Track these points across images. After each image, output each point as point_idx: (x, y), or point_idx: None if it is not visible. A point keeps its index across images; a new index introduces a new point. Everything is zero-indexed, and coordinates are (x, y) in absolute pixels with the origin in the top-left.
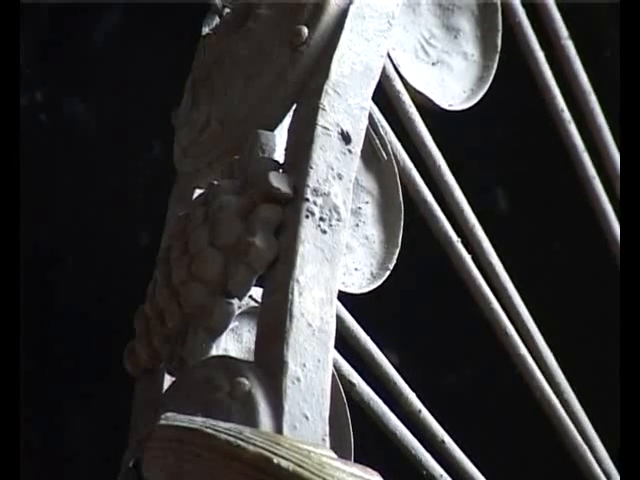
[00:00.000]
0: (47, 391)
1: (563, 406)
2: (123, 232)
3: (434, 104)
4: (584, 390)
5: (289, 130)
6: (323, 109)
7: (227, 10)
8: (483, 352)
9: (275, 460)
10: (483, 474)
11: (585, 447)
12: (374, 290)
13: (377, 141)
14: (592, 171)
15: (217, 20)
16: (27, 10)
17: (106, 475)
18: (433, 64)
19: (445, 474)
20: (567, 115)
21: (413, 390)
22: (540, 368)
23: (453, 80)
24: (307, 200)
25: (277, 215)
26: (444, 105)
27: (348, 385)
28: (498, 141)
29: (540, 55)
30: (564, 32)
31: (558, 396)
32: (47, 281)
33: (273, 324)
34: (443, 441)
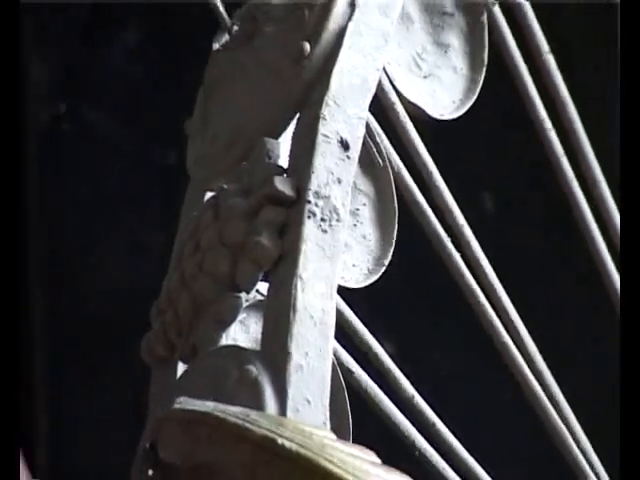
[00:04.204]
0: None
1: (543, 389)
2: (140, 230)
3: (426, 114)
4: (562, 375)
5: (292, 138)
6: (324, 119)
7: (235, 27)
8: (469, 341)
9: (280, 441)
10: (471, 454)
11: (565, 430)
12: (370, 285)
13: (373, 148)
14: (570, 174)
15: (226, 37)
16: (52, 27)
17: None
18: (425, 77)
19: (436, 454)
20: (548, 123)
21: (407, 377)
22: (521, 353)
23: (443, 92)
24: (309, 202)
25: (281, 216)
26: (435, 115)
27: (347, 372)
28: (485, 149)
29: (523, 68)
30: (545, 47)
31: (538, 379)
32: (73, 273)
33: (278, 316)
34: (434, 424)
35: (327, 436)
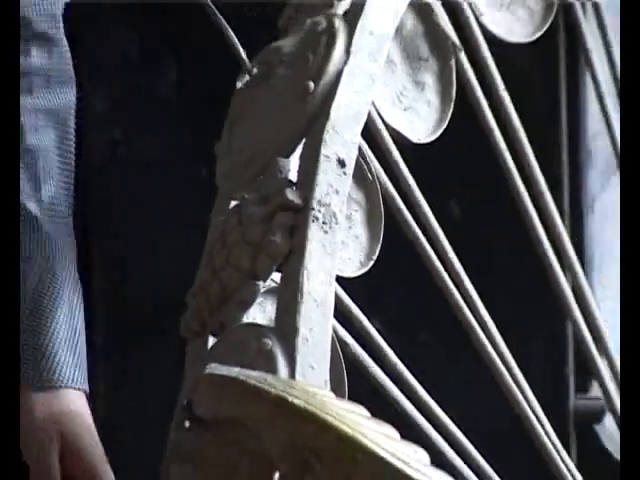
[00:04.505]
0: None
1: (501, 360)
2: (177, 232)
3: (406, 139)
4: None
5: (300, 158)
6: (325, 143)
7: (254, 70)
8: (439, 318)
9: (290, 399)
10: (444, 411)
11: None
12: (362, 275)
13: (365, 166)
14: (522, 187)
15: (247, 77)
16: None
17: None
18: (405, 109)
19: (414, 410)
20: (503, 145)
21: (391, 347)
22: (481, 328)
23: (420, 121)
24: (313, 209)
25: (291, 220)
26: (414, 139)
27: (343, 344)
28: (453, 166)
29: (484, 103)
30: (501, 85)
31: (496, 351)
32: (127, 273)
33: (288, 300)
34: (411, 385)
35: (327, 395)
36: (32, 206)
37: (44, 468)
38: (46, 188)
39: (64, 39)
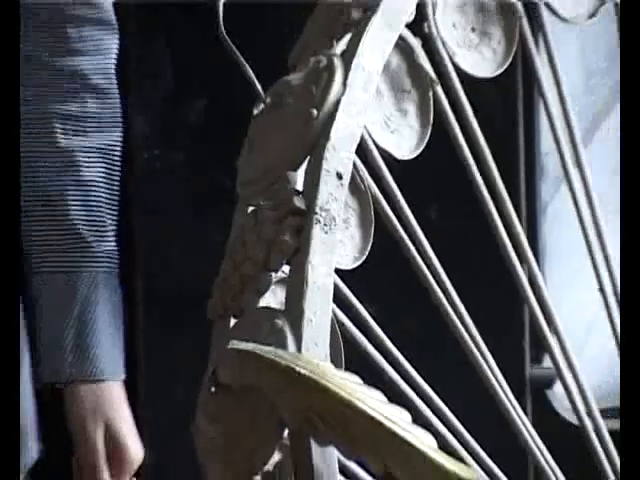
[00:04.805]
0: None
1: (470, 337)
2: (207, 232)
3: (393, 156)
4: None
5: (305, 171)
6: (326, 159)
7: (268, 99)
8: (420, 304)
9: (297, 369)
10: (425, 380)
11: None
12: (356, 268)
13: (358, 178)
14: (487, 195)
15: (262, 105)
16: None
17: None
18: (392, 132)
19: (399, 378)
20: (471, 161)
21: (380, 327)
22: (454, 310)
23: (404, 142)
24: (316, 214)
25: (298, 222)
26: (399, 156)
27: (340, 325)
28: (431, 178)
29: (456, 126)
30: (470, 112)
31: (466, 329)
32: (164, 269)
33: (296, 288)
34: (397, 357)
35: (328, 366)
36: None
37: (93, 452)
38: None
39: (115, 89)
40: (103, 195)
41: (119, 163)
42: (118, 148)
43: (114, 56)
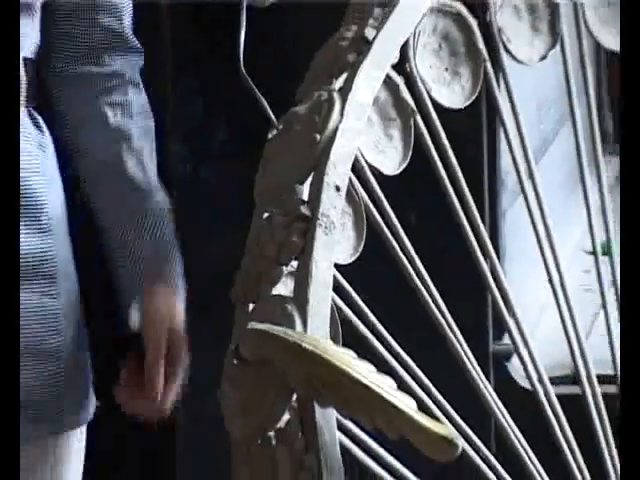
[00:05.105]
0: None
1: (444, 319)
2: (227, 236)
3: (381, 172)
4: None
5: (310, 184)
6: (327, 174)
7: (280, 126)
8: (405, 294)
9: (303, 345)
10: (408, 354)
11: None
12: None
13: (353, 190)
14: (457, 204)
15: (274, 131)
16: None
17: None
18: (380, 153)
19: (387, 353)
20: (444, 175)
21: (370, 310)
22: (430, 297)
23: (390, 161)
24: (319, 219)
25: (304, 226)
26: (386, 172)
27: (338, 309)
28: (412, 189)
29: (432, 148)
30: (444, 136)
31: (440, 313)
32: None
33: (302, 279)
34: (383, 334)
35: (328, 342)
36: (143, 182)
37: (158, 343)
38: (152, 170)
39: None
40: (150, 161)
41: (154, 141)
42: (153, 129)
43: (141, 64)
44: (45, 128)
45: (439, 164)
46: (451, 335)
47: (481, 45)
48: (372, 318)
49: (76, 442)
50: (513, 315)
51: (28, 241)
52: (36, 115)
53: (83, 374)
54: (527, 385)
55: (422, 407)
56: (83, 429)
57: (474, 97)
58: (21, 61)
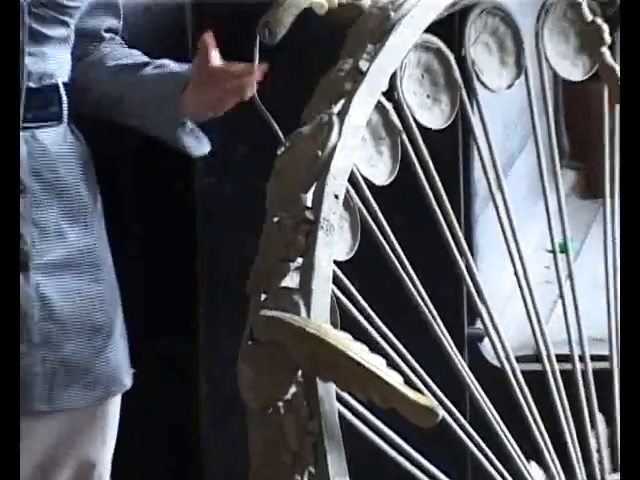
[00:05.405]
0: None
1: (426, 307)
2: (244, 240)
3: (373, 183)
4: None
5: (313, 193)
6: (327, 184)
7: (287, 143)
8: (392, 285)
9: (307, 329)
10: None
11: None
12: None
13: (349, 199)
14: (437, 209)
15: (282, 147)
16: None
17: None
18: (372, 166)
19: (377, 334)
20: (426, 185)
21: (364, 299)
22: (415, 289)
23: (382, 174)
24: (320, 222)
25: (308, 229)
26: (377, 183)
27: (336, 299)
28: (399, 195)
29: (416, 162)
30: (425, 152)
31: (423, 302)
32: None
33: (307, 273)
34: (377, 322)
35: (329, 327)
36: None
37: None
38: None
39: None
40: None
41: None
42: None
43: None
44: (83, 140)
45: (422, 175)
46: (432, 320)
47: (457, 76)
48: (365, 306)
49: (116, 407)
50: (484, 303)
51: (78, 237)
52: (76, 130)
53: (123, 346)
54: (497, 363)
55: (408, 381)
56: (119, 396)
57: (452, 119)
58: (61, 86)
